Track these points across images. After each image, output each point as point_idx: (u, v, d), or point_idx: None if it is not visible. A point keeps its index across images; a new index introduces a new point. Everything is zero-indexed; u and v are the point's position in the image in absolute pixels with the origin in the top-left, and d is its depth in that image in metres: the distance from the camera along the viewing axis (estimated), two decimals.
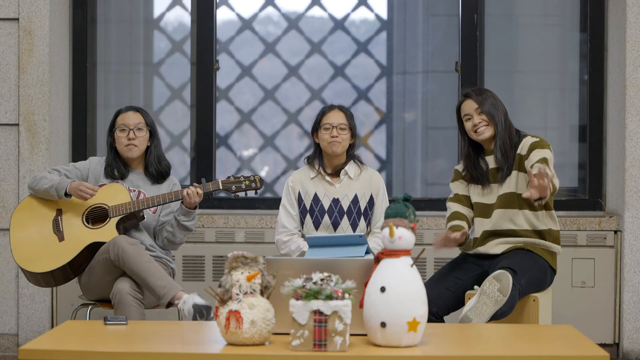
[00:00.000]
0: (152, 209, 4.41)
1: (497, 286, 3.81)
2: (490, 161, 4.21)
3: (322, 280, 2.91)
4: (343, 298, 2.88)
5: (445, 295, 4.11)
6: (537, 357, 2.94)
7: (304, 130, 5.76)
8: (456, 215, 4.20)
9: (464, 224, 4.17)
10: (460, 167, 4.34)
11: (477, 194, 4.23)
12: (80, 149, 5.47)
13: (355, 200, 4.49)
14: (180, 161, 5.71)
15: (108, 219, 4.29)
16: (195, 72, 5.56)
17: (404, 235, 3.00)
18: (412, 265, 3.00)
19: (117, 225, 4.28)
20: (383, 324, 2.94)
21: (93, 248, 4.25)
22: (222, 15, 5.75)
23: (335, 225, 4.47)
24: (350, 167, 4.54)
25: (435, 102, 5.76)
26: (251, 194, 4.44)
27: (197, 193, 4.31)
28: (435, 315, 4.04)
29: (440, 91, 5.74)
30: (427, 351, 2.93)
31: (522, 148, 4.15)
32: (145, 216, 4.38)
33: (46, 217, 4.33)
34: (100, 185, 4.39)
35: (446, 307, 4.12)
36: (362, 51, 5.76)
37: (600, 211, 5.38)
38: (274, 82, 5.76)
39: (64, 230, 4.29)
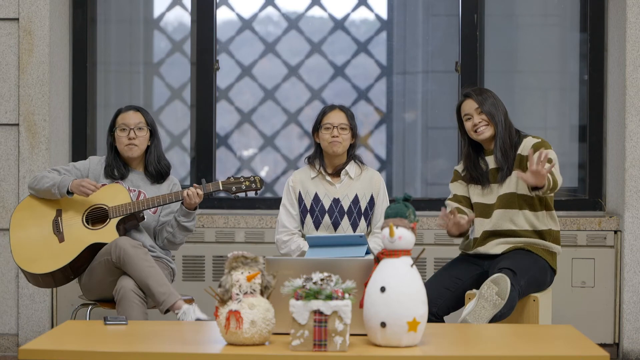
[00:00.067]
0: (152, 209, 4.41)
1: (495, 289, 3.81)
2: (490, 161, 4.21)
3: (322, 280, 2.91)
4: (343, 298, 2.88)
5: (445, 295, 4.11)
6: (537, 357, 2.94)
7: (304, 130, 5.76)
8: (459, 210, 4.19)
9: (468, 212, 4.17)
10: (459, 167, 4.33)
11: (477, 194, 4.23)
12: (80, 149, 5.47)
13: (355, 200, 4.50)
14: (180, 161, 5.71)
15: (108, 220, 4.29)
16: (195, 72, 5.56)
17: (404, 235, 3.00)
18: (412, 265, 3.00)
19: (117, 225, 4.28)
20: (383, 324, 2.94)
21: (93, 249, 4.25)
22: (222, 15, 5.75)
23: (336, 225, 4.48)
24: (351, 167, 4.54)
25: (435, 102, 5.76)
26: (251, 194, 4.44)
27: (197, 194, 4.31)
28: (435, 315, 4.04)
29: (440, 91, 5.74)
30: (427, 351, 2.93)
31: (523, 148, 4.15)
32: (145, 216, 4.37)
33: (46, 217, 4.33)
34: (100, 186, 4.38)
35: (446, 307, 4.12)
36: (362, 51, 5.76)
37: (600, 211, 5.37)
38: (274, 82, 5.76)
39: (64, 231, 4.29)
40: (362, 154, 4.63)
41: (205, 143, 5.53)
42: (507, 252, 4.14)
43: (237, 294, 2.96)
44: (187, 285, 5.15)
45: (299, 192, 4.53)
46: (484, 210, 4.20)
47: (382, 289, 2.95)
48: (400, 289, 2.95)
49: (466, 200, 4.25)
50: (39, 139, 5.15)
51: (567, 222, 5.15)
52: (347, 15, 5.76)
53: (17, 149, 5.17)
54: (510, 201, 4.15)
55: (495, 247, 4.16)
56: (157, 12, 5.77)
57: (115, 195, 4.33)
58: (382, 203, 4.52)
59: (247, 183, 4.41)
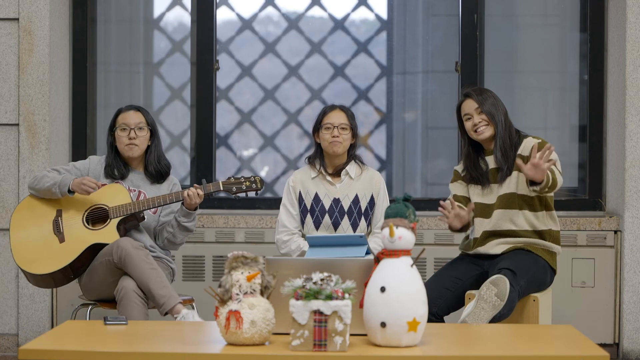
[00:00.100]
0: (152, 209, 4.40)
1: (494, 291, 3.81)
2: (490, 161, 4.21)
3: (322, 280, 2.91)
4: (343, 298, 2.88)
5: (445, 295, 4.11)
6: (537, 357, 2.94)
7: (304, 130, 5.76)
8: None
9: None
10: (459, 167, 4.33)
11: (477, 194, 4.23)
12: (80, 149, 5.47)
13: (356, 200, 4.50)
14: (180, 161, 5.71)
15: (109, 220, 4.29)
16: (195, 72, 5.56)
17: (404, 235, 3.00)
18: (412, 265, 3.00)
19: (118, 226, 4.28)
20: (383, 324, 2.94)
21: (94, 249, 4.25)
22: (222, 15, 5.75)
23: (336, 225, 4.48)
24: (351, 167, 4.54)
25: (435, 102, 5.76)
26: (251, 194, 4.44)
27: (198, 194, 4.31)
28: (435, 315, 4.04)
29: (440, 91, 5.74)
30: (427, 351, 2.93)
31: (523, 149, 4.15)
32: (145, 217, 4.37)
33: (46, 217, 4.33)
34: (101, 184, 4.38)
35: (446, 307, 4.12)
36: (362, 51, 5.76)
37: (600, 211, 5.38)
38: (274, 82, 5.76)
39: (64, 231, 4.29)
40: (362, 154, 4.63)
41: (205, 143, 5.53)
42: (507, 252, 4.14)
43: (237, 294, 2.96)
44: (187, 285, 5.15)
45: (299, 192, 4.53)
46: (484, 211, 4.20)
47: (382, 289, 2.95)
48: (400, 289, 2.95)
49: (466, 201, 4.25)
50: (39, 139, 5.15)
51: (567, 222, 5.15)
52: (347, 15, 5.76)
53: (17, 149, 5.17)
54: (510, 201, 4.15)
55: (495, 247, 4.16)
56: (157, 12, 5.77)
57: (115, 195, 4.33)
58: (383, 203, 4.52)
59: (247, 183, 4.41)
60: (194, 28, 5.57)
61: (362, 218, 4.49)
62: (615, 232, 5.15)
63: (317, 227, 4.49)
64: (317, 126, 4.52)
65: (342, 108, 4.54)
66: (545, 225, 4.17)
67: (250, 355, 2.88)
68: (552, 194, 4.19)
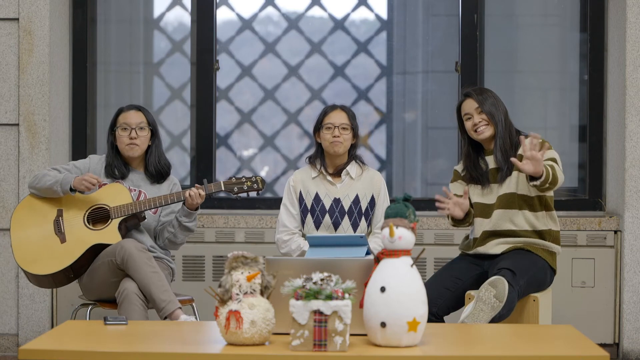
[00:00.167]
0: (153, 209, 4.40)
1: (493, 292, 3.81)
2: (490, 161, 4.21)
3: (322, 280, 2.91)
4: (343, 298, 2.88)
5: (445, 295, 4.11)
6: (537, 357, 2.94)
7: (304, 130, 5.76)
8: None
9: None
10: (459, 167, 4.34)
11: (477, 194, 4.23)
12: (80, 149, 5.47)
13: (356, 201, 4.50)
14: (180, 161, 5.71)
15: (110, 220, 4.28)
16: (195, 72, 5.56)
17: (404, 235, 3.00)
18: (412, 265, 3.00)
19: (119, 225, 4.27)
20: (383, 324, 2.94)
21: (95, 249, 4.24)
22: (222, 15, 5.75)
23: (336, 225, 4.48)
24: (352, 167, 4.54)
25: (435, 102, 5.76)
26: (252, 194, 4.44)
27: (200, 194, 4.31)
28: (435, 315, 4.04)
29: (440, 91, 5.74)
30: (427, 351, 2.93)
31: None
32: (146, 217, 4.37)
33: (47, 217, 4.32)
34: (101, 185, 4.38)
35: (446, 307, 4.12)
36: (362, 51, 5.76)
37: (600, 211, 5.38)
38: (274, 82, 5.76)
39: (65, 232, 4.28)
40: (362, 154, 4.63)
41: (205, 143, 5.53)
42: (507, 252, 4.14)
43: (237, 294, 2.96)
44: (187, 285, 5.15)
45: (300, 191, 4.53)
46: (484, 210, 4.20)
47: (382, 289, 2.95)
48: (400, 289, 2.95)
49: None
50: (39, 139, 5.15)
51: (567, 222, 5.15)
52: (347, 15, 5.76)
53: (17, 149, 5.17)
54: (510, 201, 4.15)
55: (495, 247, 4.17)
56: (157, 12, 5.77)
57: (116, 195, 4.32)
58: (383, 203, 4.52)
59: (248, 183, 4.41)
60: (194, 28, 5.57)
61: (363, 218, 4.49)
62: (615, 232, 5.15)
63: (317, 227, 4.49)
64: (318, 126, 4.52)
65: (343, 108, 4.54)
66: (545, 225, 4.17)
67: (250, 355, 2.88)
68: (552, 193, 4.20)
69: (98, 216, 4.32)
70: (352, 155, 4.55)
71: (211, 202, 5.44)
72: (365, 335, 3.03)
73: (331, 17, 5.76)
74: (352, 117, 4.52)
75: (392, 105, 5.76)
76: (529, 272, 4.03)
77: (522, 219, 4.15)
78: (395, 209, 3.03)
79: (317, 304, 2.86)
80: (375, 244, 4.39)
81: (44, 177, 4.31)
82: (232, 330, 2.93)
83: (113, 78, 5.70)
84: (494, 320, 3.82)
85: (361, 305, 3.01)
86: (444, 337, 3.24)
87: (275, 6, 5.76)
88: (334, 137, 4.46)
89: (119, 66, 5.70)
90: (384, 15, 5.78)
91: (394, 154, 5.76)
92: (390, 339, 2.95)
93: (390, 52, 5.78)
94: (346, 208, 4.49)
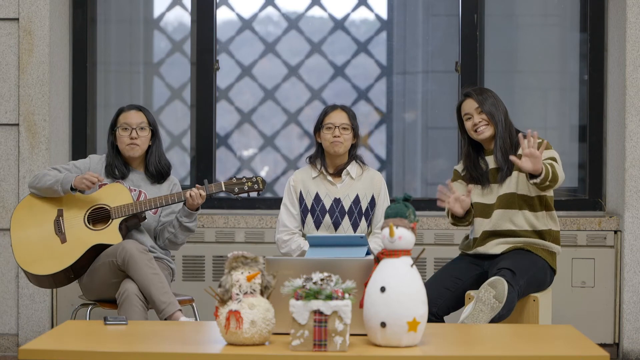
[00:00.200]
0: (153, 209, 4.40)
1: (492, 293, 3.81)
2: (490, 161, 4.21)
3: (322, 280, 2.91)
4: (343, 298, 2.88)
5: (445, 295, 4.11)
6: (537, 357, 2.94)
7: (304, 130, 5.76)
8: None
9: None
10: (459, 167, 4.34)
11: (477, 194, 4.23)
12: (80, 149, 5.47)
13: (356, 201, 4.49)
14: (180, 161, 5.71)
15: (110, 220, 4.28)
16: (195, 72, 5.56)
17: (404, 235, 3.00)
18: (412, 265, 3.00)
19: (119, 226, 4.27)
20: (383, 324, 2.93)
21: (96, 249, 4.24)
22: (222, 15, 5.75)
23: (336, 225, 4.48)
24: (352, 167, 4.54)
25: (435, 102, 5.76)
26: (253, 194, 4.44)
27: (200, 195, 4.31)
28: (435, 315, 4.04)
29: (440, 91, 5.74)
30: (427, 351, 2.93)
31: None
32: (146, 217, 4.37)
33: (47, 217, 4.32)
34: (101, 185, 4.38)
35: (446, 307, 4.12)
36: (362, 51, 5.76)
37: (600, 211, 5.38)
38: (274, 82, 5.76)
39: (66, 232, 4.28)
40: (362, 154, 4.63)
41: (205, 143, 5.53)
42: (507, 252, 4.14)
43: (237, 294, 2.96)
44: (187, 285, 5.15)
45: (300, 191, 4.53)
46: (484, 210, 4.20)
47: (382, 289, 2.95)
48: (400, 289, 2.94)
49: None
50: (39, 139, 5.15)
51: (567, 222, 5.15)
52: (347, 15, 5.76)
53: (17, 149, 5.17)
54: (510, 201, 4.15)
55: (495, 247, 4.16)
56: (157, 12, 5.77)
57: (116, 195, 4.32)
58: (383, 203, 4.52)
59: (249, 184, 4.40)
60: (194, 28, 5.57)
61: (363, 218, 4.49)
62: (615, 232, 5.15)
63: (317, 227, 4.49)
64: (319, 126, 4.52)
65: (344, 108, 4.54)
66: (545, 225, 4.17)
67: (250, 355, 2.88)
68: (552, 193, 4.20)
69: (98, 216, 4.32)
70: (352, 155, 4.55)
71: (211, 202, 5.44)
72: (365, 335, 3.03)
73: (331, 17, 5.76)
74: (352, 117, 4.52)
75: (392, 105, 5.76)
76: (529, 272, 4.02)
77: (522, 219, 4.15)
78: (395, 209, 3.03)
79: (317, 304, 2.86)
80: (376, 244, 4.39)
81: (44, 176, 4.31)
82: (232, 330, 2.93)
83: (113, 78, 5.70)
84: (494, 320, 3.82)
85: (361, 305, 3.01)
86: (444, 337, 3.24)
87: (275, 6, 5.75)
88: (335, 137, 4.46)
89: (119, 66, 5.70)
90: (384, 15, 5.78)
91: (394, 154, 5.76)
92: (390, 339, 2.95)
93: (390, 52, 5.78)
94: (346, 208, 4.49)
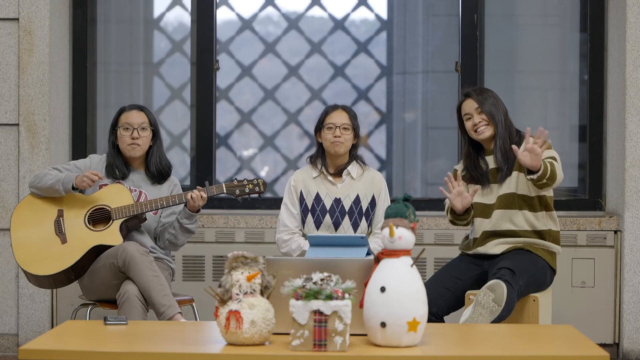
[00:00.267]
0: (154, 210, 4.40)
1: (491, 296, 3.81)
2: (490, 161, 4.22)
3: (322, 280, 2.91)
4: (343, 298, 2.88)
5: (445, 295, 4.11)
6: (537, 357, 2.94)
7: (304, 130, 5.76)
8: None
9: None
10: (459, 167, 4.34)
11: (477, 194, 4.22)
12: (80, 149, 5.47)
13: (357, 201, 4.49)
14: (180, 161, 5.71)
15: (111, 221, 4.28)
16: (195, 72, 5.56)
17: (404, 235, 3.00)
18: (412, 265, 3.00)
19: (120, 226, 4.27)
20: (383, 324, 2.93)
21: (96, 250, 4.24)
22: (222, 15, 5.75)
23: (337, 225, 4.48)
24: (353, 167, 4.54)
25: (435, 102, 5.76)
26: (253, 196, 4.44)
27: (202, 197, 4.31)
28: (435, 315, 4.04)
29: (440, 91, 5.74)
30: (427, 351, 2.93)
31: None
32: (147, 218, 4.37)
33: (47, 217, 4.32)
34: (101, 185, 4.38)
35: (446, 307, 4.12)
36: (362, 51, 5.76)
37: (600, 211, 5.38)
38: (274, 82, 5.75)
39: (66, 232, 4.28)
40: (362, 153, 4.63)
41: (205, 143, 5.53)
42: (507, 252, 4.14)
43: (237, 294, 2.96)
44: (187, 285, 5.15)
45: (300, 191, 4.53)
46: (484, 210, 4.20)
47: (382, 289, 2.95)
48: (400, 289, 2.94)
49: None
50: (39, 139, 5.15)
51: (567, 222, 5.15)
52: (347, 15, 5.76)
53: (17, 149, 5.17)
54: (510, 201, 4.15)
55: (495, 247, 4.17)
56: (157, 12, 5.76)
57: (117, 196, 4.32)
58: (384, 204, 4.52)
59: (250, 186, 4.41)
60: (194, 28, 5.57)
61: (363, 218, 4.49)
62: (615, 232, 5.15)
63: (317, 226, 4.49)
64: (319, 126, 4.52)
65: (345, 108, 4.54)
66: (545, 225, 4.17)
67: (250, 355, 2.88)
68: (551, 193, 4.20)
69: (99, 217, 4.31)
70: (353, 155, 4.55)
71: (211, 202, 5.43)
72: (365, 335, 3.03)
73: (331, 17, 5.76)
74: (353, 117, 4.52)
75: (392, 105, 5.76)
76: (529, 272, 4.03)
77: (522, 219, 4.15)
78: (395, 209, 3.04)
79: (317, 304, 2.86)
80: (376, 244, 4.39)
81: (45, 176, 4.31)
82: (232, 330, 2.93)
83: (113, 78, 5.70)
84: (494, 321, 3.82)
85: (361, 305, 3.01)
86: (444, 337, 3.24)
87: (275, 6, 5.75)
88: (335, 137, 4.46)
89: (119, 66, 5.70)
90: (384, 15, 5.78)
91: (394, 154, 5.76)
92: (390, 339, 2.95)
93: (390, 52, 5.78)
94: (347, 208, 4.49)
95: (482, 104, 4.18)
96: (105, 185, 4.38)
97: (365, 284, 3.02)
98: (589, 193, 5.42)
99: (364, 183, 4.52)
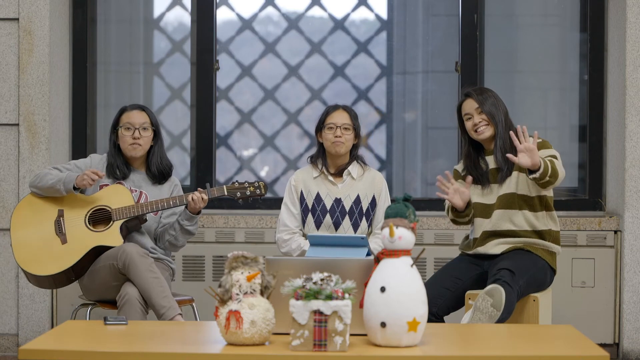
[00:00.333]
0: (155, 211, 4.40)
1: (490, 301, 3.81)
2: (491, 161, 4.22)
3: (322, 280, 2.91)
4: (343, 298, 2.88)
5: (445, 295, 4.11)
6: (537, 357, 2.94)
7: (304, 130, 5.76)
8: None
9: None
10: (459, 166, 4.34)
11: (477, 194, 4.23)
12: (80, 149, 5.47)
13: (357, 201, 4.50)
14: (180, 161, 5.71)
15: (111, 222, 4.28)
16: (195, 72, 5.56)
17: (404, 235, 3.00)
18: (412, 265, 3.00)
19: (120, 227, 4.27)
20: (383, 324, 2.94)
21: (96, 251, 4.24)
22: (222, 15, 5.75)
23: (337, 225, 4.48)
24: (353, 168, 4.54)
25: (435, 102, 5.76)
26: (255, 198, 4.45)
27: (202, 199, 4.31)
28: (435, 315, 4.04)
29: (440, 91, 5.74)
30: (427, 351, 2.93)
31: None
32: (147, 218, 4.37)
33: (48, 217, 4.31)
34: (102, 186, 4.37)
35: (446, 307, 4.12)
36: (362, 51, 5.76)
37: (600, 211, 5.38)
38: (274, 82, 5.75)
39: (66, 233, 4.28)
40: (362, 153, 4.63)
41: (205, 143, 5.53)
42: (507, 252, 4.14)
43: (237, 294, 2.96)
44: (187, 285, 5.15)
45: (301, 191, 4.53)
46: (484, 211, 4.20)
47: (382, 289, 2.95)
48: (400, 289, 2.95)
49: None
50: (39, 139, 5.15)
51: (567, 222, 5.15)
52: (347, 15, 5.76)
53: (17, 149, 5.17)
54: (510, 201, 4.15)
55: (495, 247, 4.17)
56: (157, 12, 5.77)
57: (117, 197, 4.31)
58: (384, 204, 4.52)
59: (251, 189, 4.40)
60: (194, 28, 5.57)
61: (363, 218, 4.49)
62: (615, 232, 5.15)
63: (317, 226, 4.49)
64: (320, 126, 4.52)
65: (345, 108, 4.54)
66: (545, 225, 4.17)
67: (250, 355, 2.88)
68: (552, 193, 4.20)
69: (99, 217, 4.31)
70: (353, 155, 4.55)
71: (211, 202, 5.38)
72: (365, 335, 3.03)
73: (331, 17, 5.76)
74: (354, 117, 4.52)
75: (392, 105, 5.76)
76: (529, 272, 4.03)
77: (522, 219, 4.15)
78: (395, 209, 3.04)
79: (317, 304, 2.86)
80: (376, 244, 4.39)
81: (45, 176, 4.31)
82: (232, 330, 2.93)
83: (113, 78, 5.70)
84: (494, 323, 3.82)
85: (361, 305, 3.01)
86: (444, 337, 3.24)
87: (275, 6, 5.76)
88: (336, 137, 4.46)
89: (119, 66, 5.70)
90: (384, 15, 5.78)
91: (394, 154, 5.76)
92: (390, 339, 2.95)
93: (390, 52, 5.78)
94: (347, 208, 4.49)
95: (483, 104, 4.18)
96: (106, 185, 4.38)
97: (365, 284, 3.02)
98: (589, 193, 5.42)
99: (365, 183, 4.52)
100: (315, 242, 4.15)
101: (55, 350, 2.94)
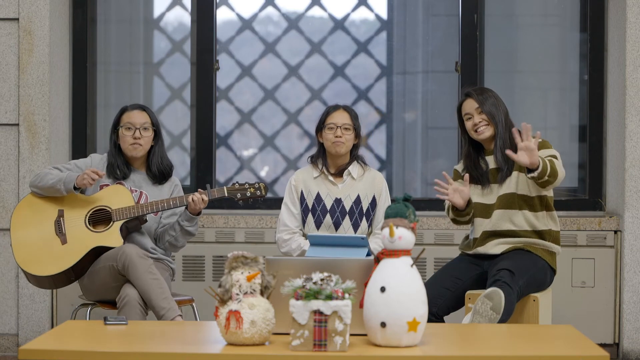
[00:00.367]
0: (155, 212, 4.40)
1: (489, 305, 3.81)
2: (491, 161, 4.22)
3: (322, 280, 2.91)
4: (343, 298, 2.88)
5: (445, 295, 4.11)
6: (537, 357, 2.94)
7: (304, 130, 5.76)
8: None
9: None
10: (459, 166, 4.34)
11: (477, 194, 4.23)
12: (80, 149, 5.47)
13: (357, 201, 4.50)
14: (180, 161, 5.71)
15: (112, 223, 4.28)
16: (195, 72, 5.56)
17: (404, 235, 3.00)
18: (412, 265, 3.00)
19: (120, 228, 4.26)
20: (383, 324, 2.94)
21: (96, 251, 4.24)
22: (222, 15, 5.75)
23: (337, 225, 4.48)
24: (354, 168, 4.54)
25: (435, 102, 5.76)
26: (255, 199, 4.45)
27: (203, 200, 4.31)
28: (435, 315, 4.04)
29: (440, 91, 5.74)
30: (427, 351, 2.93)
31: None
32: (147, 219, 4.37)
33: (48, 217, 4.31)
34: (102, 186, 4.37)
35: (446, 307, 4.12)
36: (362, 51, 5.76)
37: (600, 211, 5.38)
38: (274, 82, 5.75)
39: (66, 233, 4.27)
40: (362, 153, 4.63)
41: (205, 143, 5.53)
42: (507, 252, 4.14)
43: (237, 294, 2.96)
44: (187, 285, 5.15)
45: (301, 191, 4.53)
46: (484, 211, 4.20)
47: (382, 289, 2.95)
48: (400, 289, 2.95)
49: None
50: (39, 139, 5.15)
51: (567, 222, 5.15)
52: (347, 15, 5.76)
53: (17, 149, 5.17)
54: (510, 201, 4.15)
55: (495, 247, 4.17)
56: (157, 12, 5.77)
57: (118, 197, 4.31)
58: (384, 204, 4.52)
59: (252, 190, 4.40)
60: (194, 28, 5.57)
61: (364, 218, 4.49)
62: (615, 232, 5.15)
63: (318, 226, 4.49)
64: (320, 126, 4.52)
65: (346, 108, 4.54)
66: (545, 225, 4.17)
67: (250, 355, 2.88)
68: (552, 193, 4.20)
69: (99, 218, 4.31)
70: (354, 155, 4.55)
71: (211, 202, 5.41)
72: (365, 335, 3.03)
73: (331, 17, 5.76)
74: (354, 117, 4.52)
75: (392, 105, 5.76)
76: (529, 272, 4.02)
77: (522, 219, 4.15)
78: (395, 209, 3.04)
79: (317, 304, 2.86)
80: (376, 244, 4.39)
81: (46, 175, 4.31)
82: (232, 330, 2.93)
83: (113, 78, 5.70)
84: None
85: (361, 305, 3.01)
86: (444, 337, 3.24)
87: (275, 6, 5.76)
88: (336, 137, 4.46)
89: (119, 66, 5.70)
90: (384, 15, 5.78)
91: (394, 154, 5.76)
92: (390, 339, 2.95)
93: (390, 52, 5.78)
94: (347, 208, 4.49)
95: (483, 104, 4.18)
96: (106, 185, 4.37)
97: (365, 284, 3.03)
98: (589, 193, 5.42)
99: (365, 183, 4.52)
100: (315, 242, 4.15)
101: (55, 350, 2.94)
